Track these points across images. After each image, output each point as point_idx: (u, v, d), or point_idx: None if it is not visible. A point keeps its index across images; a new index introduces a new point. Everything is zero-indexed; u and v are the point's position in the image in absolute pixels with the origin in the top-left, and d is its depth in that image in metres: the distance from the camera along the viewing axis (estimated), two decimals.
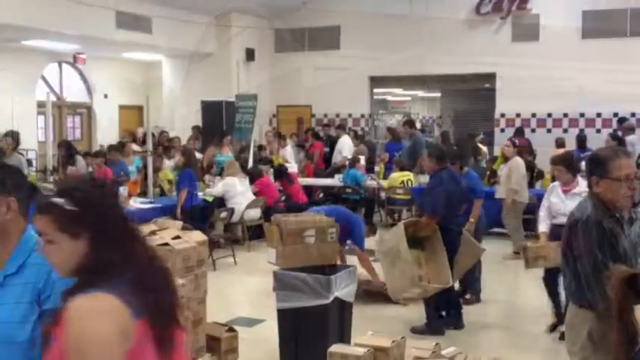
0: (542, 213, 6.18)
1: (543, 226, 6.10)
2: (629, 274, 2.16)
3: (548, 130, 14.65)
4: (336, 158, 13.90)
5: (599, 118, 14.21)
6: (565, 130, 14.31)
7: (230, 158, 11.51)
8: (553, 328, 6.21)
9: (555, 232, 5.78)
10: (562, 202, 5.94)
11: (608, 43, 13.86)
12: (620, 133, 12.79)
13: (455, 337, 5.95)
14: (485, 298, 7.23)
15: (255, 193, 10.27)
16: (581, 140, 12.57)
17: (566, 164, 6.06)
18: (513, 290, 8.13)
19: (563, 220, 5.91)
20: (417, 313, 6.28)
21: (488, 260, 7.53)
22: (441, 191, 6.16)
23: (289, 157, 13.75)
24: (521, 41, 14.68)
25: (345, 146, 13.96)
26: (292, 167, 12.56)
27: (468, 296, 7.08)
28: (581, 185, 5.81)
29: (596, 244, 3.21)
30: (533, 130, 14.71)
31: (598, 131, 13.98)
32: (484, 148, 13.36)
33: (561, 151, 12.91)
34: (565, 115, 14.59)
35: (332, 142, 14.43)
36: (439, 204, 6.13)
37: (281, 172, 11.31)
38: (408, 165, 12.19)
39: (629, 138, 12.47)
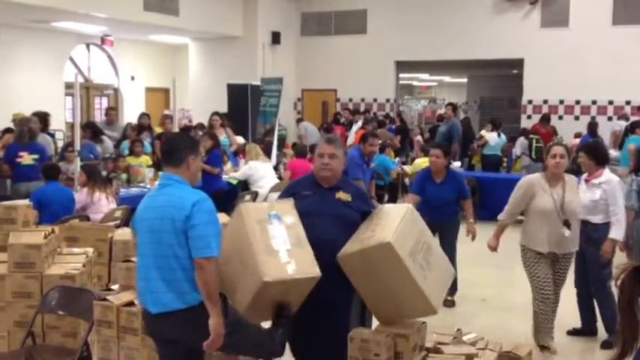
0: None
1: None
2: (638, 265, 2.15)
3: (576, 118, 14.48)
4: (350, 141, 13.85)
5: (628, 105, 14.00)
6: (593, 118, 14.12)
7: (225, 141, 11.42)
8: None
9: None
10: (582, 193, 5.40)
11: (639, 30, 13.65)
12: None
13: (473, 323, 5.94)
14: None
15: (279, 177, 10.30)
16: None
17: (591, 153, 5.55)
18: None
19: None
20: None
21: None
22: None
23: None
24: (551, 27, 14.48)
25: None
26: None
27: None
28: (604, 175, 5.42)
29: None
30: (560, 117, 14.55)
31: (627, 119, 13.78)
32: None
33: (578, 141, 12.81)
34: (594, 102, 14.40)
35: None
36: None
37: (301, 151, 11.20)
38: None
39: (615, 122, 12.91)
